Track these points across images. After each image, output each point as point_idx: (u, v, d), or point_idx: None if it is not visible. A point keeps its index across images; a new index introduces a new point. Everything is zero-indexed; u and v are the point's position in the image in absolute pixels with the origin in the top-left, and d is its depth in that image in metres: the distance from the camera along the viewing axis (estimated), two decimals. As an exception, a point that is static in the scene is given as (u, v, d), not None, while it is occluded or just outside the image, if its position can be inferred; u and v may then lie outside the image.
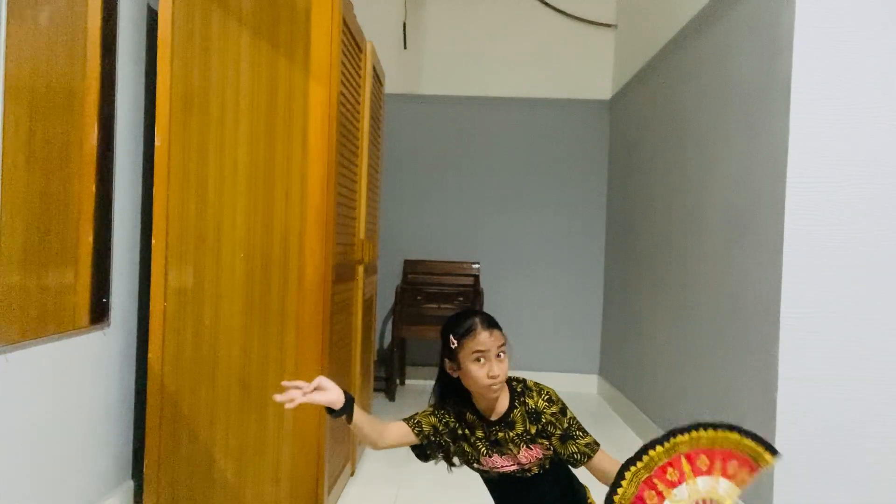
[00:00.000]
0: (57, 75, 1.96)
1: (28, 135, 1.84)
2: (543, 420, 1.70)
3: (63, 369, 2.05)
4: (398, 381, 4.89)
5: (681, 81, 3.39)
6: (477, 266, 4.96)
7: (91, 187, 2.15)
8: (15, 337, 1.80)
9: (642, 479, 1.51)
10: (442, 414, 1.74)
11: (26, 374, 1.87)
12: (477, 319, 1.67)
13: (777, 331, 2.25)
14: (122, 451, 2.43)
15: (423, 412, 1.75)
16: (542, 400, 1.71)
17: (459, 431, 1.73)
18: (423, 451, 1.75)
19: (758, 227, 2.44)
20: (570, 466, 1.74)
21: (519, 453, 1.70)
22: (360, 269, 3.01)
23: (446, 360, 1.70)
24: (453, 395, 1.74)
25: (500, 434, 1.70)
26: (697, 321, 3.03)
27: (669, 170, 3.54)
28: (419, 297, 4.75)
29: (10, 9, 1.73)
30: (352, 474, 3.01)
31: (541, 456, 1.70)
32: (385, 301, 4.87)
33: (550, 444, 1.70)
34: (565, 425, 1.70)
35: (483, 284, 4.91)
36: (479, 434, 1.72)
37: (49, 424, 1.99)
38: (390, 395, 4.50)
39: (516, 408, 1.71)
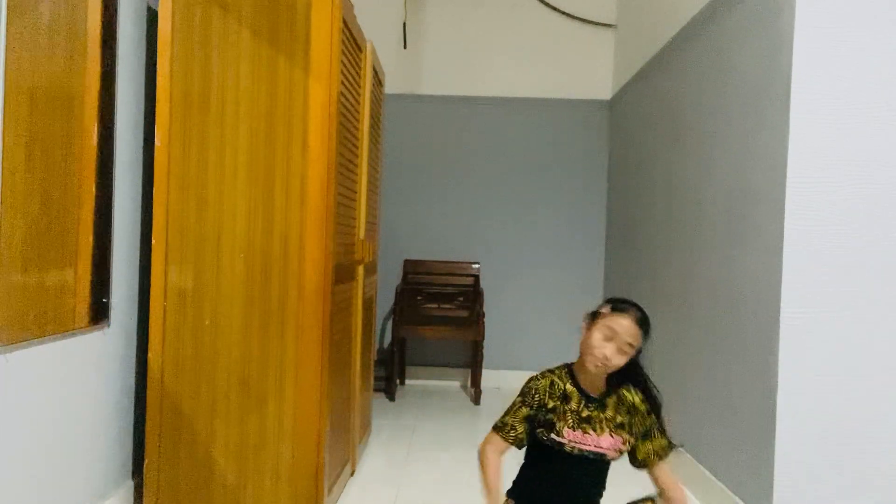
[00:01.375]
0: (57, 75, 1.96)
1: (28, 135, 1.84)
2: (634, 414, 1.76)
3: (63, 369, 2.05)
4: (398, 381, 4.89)
5: (681, 81, 3.39)
6: (477, 266, 4.96)
7: (91, 187, 2.15)
8: (15, 337, 1.80)
9: None
10: (534, 394, 1.77)
11: (26, 374, 1.87)
12: (634, 309, 1.75)
13: (777, 331, 2.25)
14: (122, 451, 2.44)
15: (513, 408, 1.77)
16: (637, 397, 1.78)
17: (551, 404, 1.76)
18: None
19: (758, 226, 2.44)
20: (639, 468, 1.79)
21: (602, 436, 1.74)
22: (360, 269, 3.01)
23: (588, 317, 1.77)
24: (561, 366, 1.82)
25: (593, 412, 1.75)
26: (697, 321, 3.03)
27: (669, 170, 3.54)
28: (419, 297, 4.75)
29: (9, 8, 1.73)
30: (352, 474, 3.01)
31: (619, 448, 1.75)
32: (385, 301, 4.87)
33: (632, 437, 1.76)
34: (648, 424, 1.77)
35: (483, 284, 4.91)
36: (573, 405, 1.75)
37: (49, 424, 1.99)
38: (390, 395, 4.51)
39: (611, 394, 1.76)
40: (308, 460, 2.39)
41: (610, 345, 1.71)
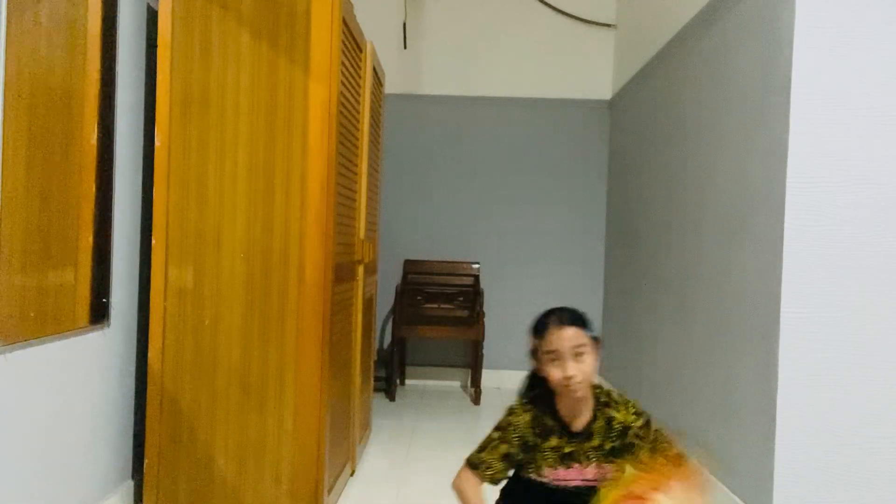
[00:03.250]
0: (57, 75, 1.96)
1: (28, 135, 1.84)
2: (630, 435, 1.60)
3: (63, 369, 2.05)
4: (398, 381, 4.89)
5: (681, 81, 3.39)
6: (477, 266, 4.96)
7: (91, 187, 2.15)
8: (15, 337, 1.80)
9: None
10: (514, 430, 1.62)
11: (26, 373, 1.87)
12: (553, 317, 1.59)
13: (777, 330, 2.25)
14: (122, 451, 2.44)
15: (491, 444, 1.63)
16: (630, 413, 1.62)
17: (530, 441, 1.61)
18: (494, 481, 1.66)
19: (758, 226, 2.44)
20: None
21: (587, 468, 1.60)
22: (360, 269, 3.01)
23: (532, 360, 1.63)
24: (541, 393, 1.65)
25: (575, 447, 1.60)
26: (697, 321, 3.03)
27: (669, 170, 3.54)
28: (419, 297, 4.75)
29: (10, 8, 1.73)
30: (352, 474, 3.01)
31: (608, 476, 1.60)
32: (385, 301, 4.87)
33: (625, 462, 1.60)
34: (652, 437, 1.62)
35: (483, 284, 4.91)
36: (553, 443, 1.61)
37: (49, 424, 1.99)
38: (390, 395, 4.51)
39: (597, 420, 1.61)
40: (308, 460, 2.39)
41: (563, 363, 1.55)
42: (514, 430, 1.62)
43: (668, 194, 3.55)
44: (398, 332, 4.63)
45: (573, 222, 5.03)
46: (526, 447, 1.62)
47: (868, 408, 2.23)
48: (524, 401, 1.66)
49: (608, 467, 1.61)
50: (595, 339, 1.61)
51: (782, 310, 2.24)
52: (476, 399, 4.52)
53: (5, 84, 1.73)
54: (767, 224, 2.36)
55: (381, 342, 5.04)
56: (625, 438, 1.61)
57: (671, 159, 3.51)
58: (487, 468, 1.62)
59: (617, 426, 1.61)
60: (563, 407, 1.62)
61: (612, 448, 1.61)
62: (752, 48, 2.55)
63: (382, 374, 4.59)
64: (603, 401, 1.64)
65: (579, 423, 1.62)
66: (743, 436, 2.50)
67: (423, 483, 3.00)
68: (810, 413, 2.24)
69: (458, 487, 1.62)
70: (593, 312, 5.00)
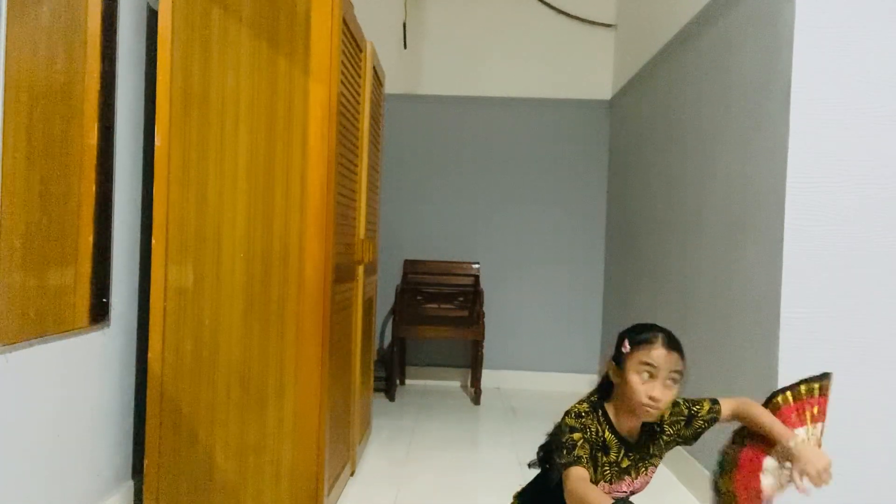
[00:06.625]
0: (57, 75, 1.96)
1: (28, 135, 1.84)
2: (666, 433, 1.60)
3: (63, 369, 2.05)
4: (398, 381, 4.89)
5: (681, 81, 3.39)
6: (477, 266, 4.96)
7: (91, 187, 2.15)
8: (15, 337, 1.80)
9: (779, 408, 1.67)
10: (587, 432, 1.52)
11: (26, 374, 1.87)
12: (661, 335, 1.52)
13: (777, 330, 2.25)
14: (122, 451, 2.44)
15: (576, 443, 1.49)
16: (667, 415, 1.60)
17: (593, 451, 1.53)
18: None
19: (758, 226, 2.44)
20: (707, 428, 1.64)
21: (636, 479, 1.57)
22: (360, 269, 3.01)
23: (612, 364, 1.55)
24: (599, 404, 1.57)
25: (633, 460, 1.56)
26: (697, 321, 3.03)
27: (669, 170, 3.54)
28: (419, 297, 4.75)
29: (10, 8, 1.73)
30: (352, 474, 3.01)
31: (651, 478, 1.60)
32: (385, 301, 4.87)
33: (679, 438, 1.61)
34: (685, 412, 1.63)
35: (483, 284, 4.91)
36: (612, 457, 1.54)
37: (49, 425, 1.99)
38: (390, 396, 4.51)
39: (645, 428, 1.59)
40: (308, 460, 2.39)
41: (654, 383, 1.48)
42: (588, 432, 1.52)
43: (668, 194, 3.55)
44: (398, 332, 4.63)
45: (573, 222, 5.04)
46: (592, 455, 1.52)
47: (868, 408, 2.23)
48: (589, 409, 1.57)
49: (652, 470, 1.61)
50: (683, 374, 1.55)
51: (782, 309, 2.24)
52: (476, 399, 4.52)
53: (5, 84, 1.73)
54: (767, 224, 2.36)
55: (381, 342, 5.04)
56: (663, 436, 1.61)
57: (671, 159, 3.51)
58: (584, 462, 1.48)
59: (657, 431, 1.61)
60: (622, 421, 1.56)
61: (655, 449, 1.61)
62: (752, 48, 2.55)
63: (382, 374, 4.59)
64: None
65: (634, 435, 1.58)
66: (743, 436, 2.49)
67: (423, 483, 3.00)
68: (810, 413, 2.23)
69: (577, 491, 1.41)
70: (593, 312, 5.01)
